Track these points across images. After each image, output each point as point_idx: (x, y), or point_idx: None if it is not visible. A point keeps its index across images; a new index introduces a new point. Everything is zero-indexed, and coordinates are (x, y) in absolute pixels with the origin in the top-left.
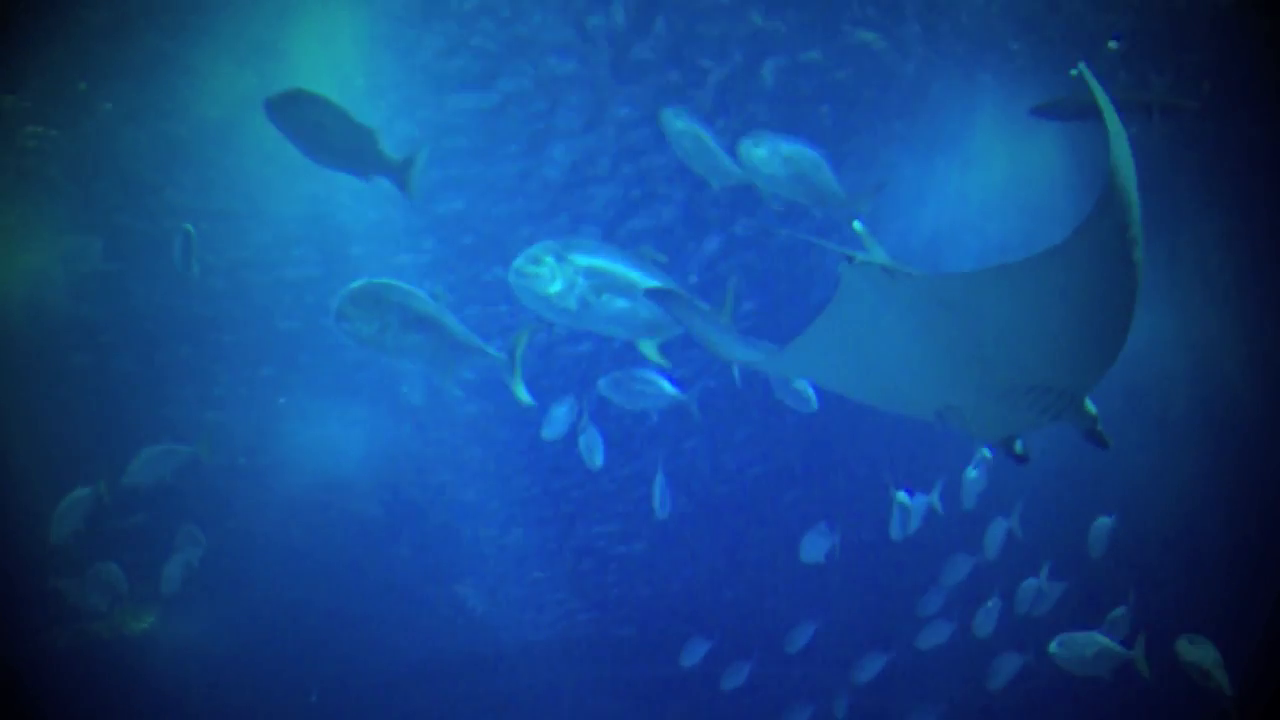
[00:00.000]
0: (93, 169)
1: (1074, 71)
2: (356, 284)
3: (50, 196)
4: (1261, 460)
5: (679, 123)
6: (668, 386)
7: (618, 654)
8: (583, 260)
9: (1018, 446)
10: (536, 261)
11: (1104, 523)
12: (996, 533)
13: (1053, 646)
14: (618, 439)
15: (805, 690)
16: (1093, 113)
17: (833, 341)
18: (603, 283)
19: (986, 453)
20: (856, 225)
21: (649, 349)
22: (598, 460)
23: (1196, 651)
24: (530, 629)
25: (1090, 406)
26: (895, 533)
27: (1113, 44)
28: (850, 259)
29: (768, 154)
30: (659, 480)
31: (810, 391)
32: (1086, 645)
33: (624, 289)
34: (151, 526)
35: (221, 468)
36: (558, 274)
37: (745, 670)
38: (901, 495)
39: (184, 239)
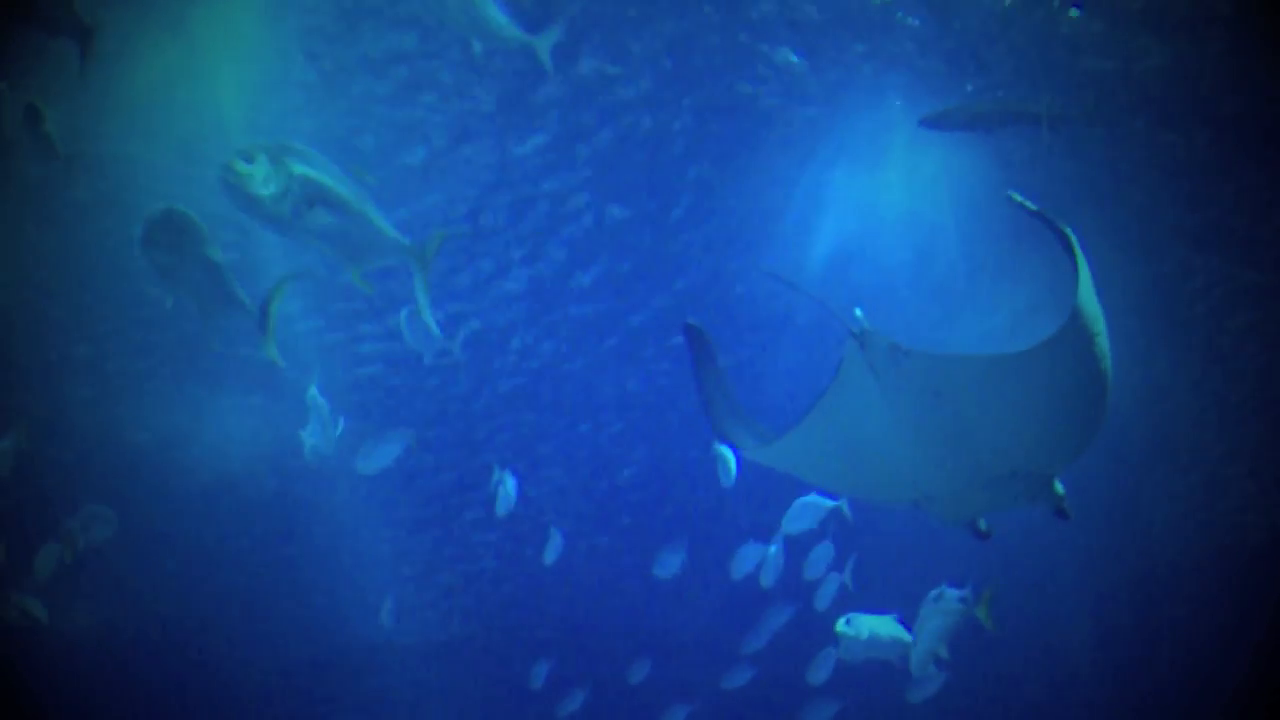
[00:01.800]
0: None
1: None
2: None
3: None
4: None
5: None
6: None
7: (492, 656)
8: (299, 168)
9: (981, 524)
10: (250, 160)
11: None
12: (829, 588)
13: (840, 625)
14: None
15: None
16: (980, 124)
17: (829, 428)
18: (317, 194)
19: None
20: (857, 312)
21: (356, 277)
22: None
23: None
24: (406, 630)
25: (1059, 486)
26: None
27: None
28: (859, 335)
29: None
30: (506, 479)
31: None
32: (878, 628)
33: (338, 205)
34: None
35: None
36: (272, 177)
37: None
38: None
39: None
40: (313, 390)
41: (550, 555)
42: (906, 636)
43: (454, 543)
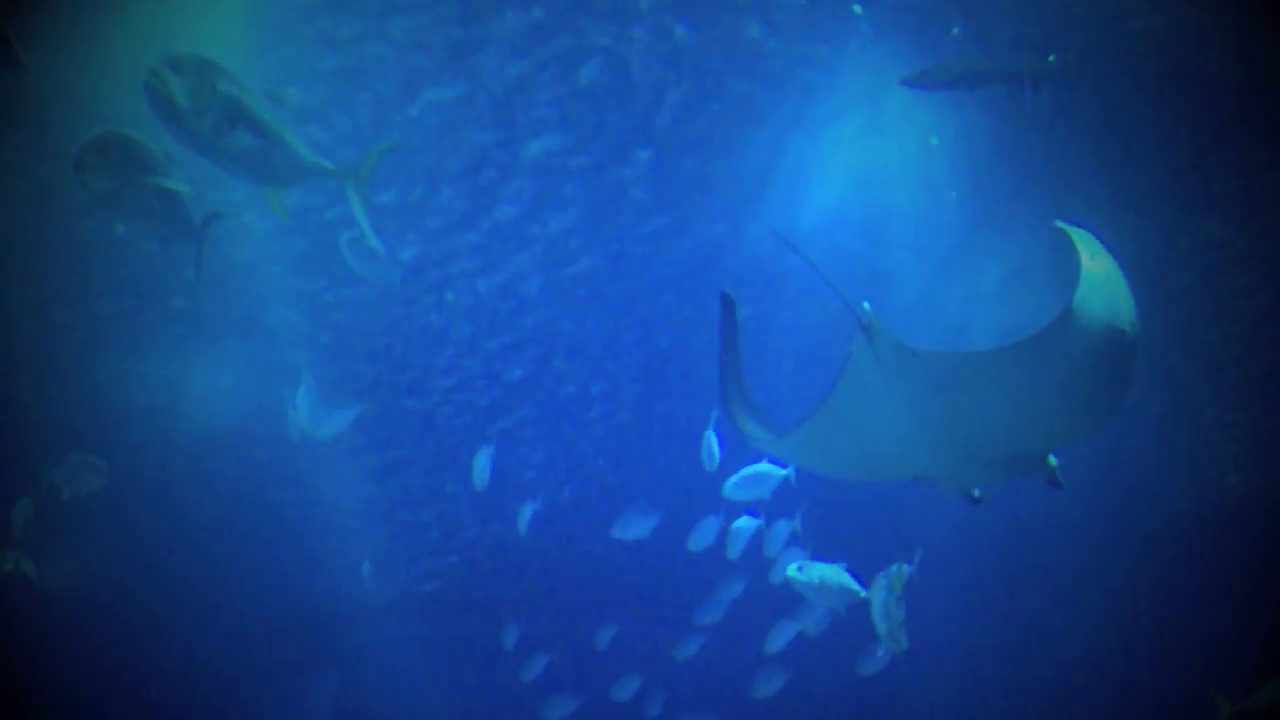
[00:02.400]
0: None
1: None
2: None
3: None
4: None
5: None
6: None
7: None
8: (224, 85)
9: (975, 493)
10: (176, 69)
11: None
12: (780, 531)
13: (791, 570)
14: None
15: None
16: (961, 83)
17: (838, 422)
18: (239, 113)
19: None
20: (865, 305)
21: (274, 200)
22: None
23: None
24: (381, 588)
25: (1052, 458)
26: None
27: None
28: (867, 333)
29: None
30: (483, 452)
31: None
32: (828, 575)
33: (259, 127)
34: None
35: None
36: (196, 91)
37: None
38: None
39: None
40: (302, 387)
41: (522, 526)
42: (855, 586)
43: (429, 502)
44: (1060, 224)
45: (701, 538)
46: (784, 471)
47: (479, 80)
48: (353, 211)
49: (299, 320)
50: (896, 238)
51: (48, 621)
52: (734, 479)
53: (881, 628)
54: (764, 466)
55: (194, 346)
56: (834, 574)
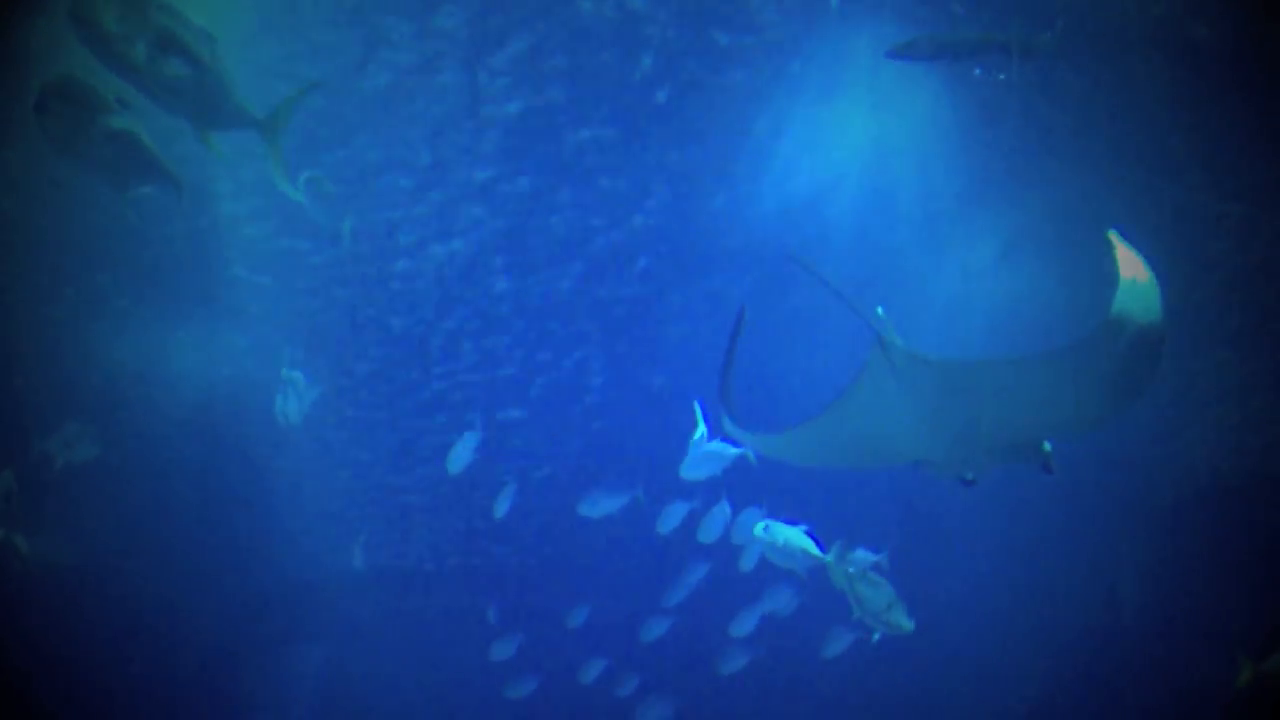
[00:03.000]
0: None
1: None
2: None
3: None
4: None
5: None
6: None
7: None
8: (155, 12)
9: (968, 475)
10: None
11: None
12: (719, 514)
13: (758, 529)
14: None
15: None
16: (946, 54)
17: (843, 423)
18: (172, 42)
19: None
20: (879, 310)
21: (206, 140)
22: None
23: None
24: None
25: (1046, 445)
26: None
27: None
28: (882, 344)
29: None
30: (464, 439)
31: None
32: (791, 537)
33: (193, 58)
34: None
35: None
36: (125, 16)
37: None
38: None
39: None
40: (286, 369)
41: (501, 508)
42: (815, 550)
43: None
44: (1113, 234)
45: (669, 521)
46: (738, 450)
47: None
48: (271, 162)
49: (281, 288)
50: (894, 212)
51: (31, 594)
52: (687, 459)
53: (855, 610)
54: (717, 445)
55: (179, 315)
56: (796, 536)
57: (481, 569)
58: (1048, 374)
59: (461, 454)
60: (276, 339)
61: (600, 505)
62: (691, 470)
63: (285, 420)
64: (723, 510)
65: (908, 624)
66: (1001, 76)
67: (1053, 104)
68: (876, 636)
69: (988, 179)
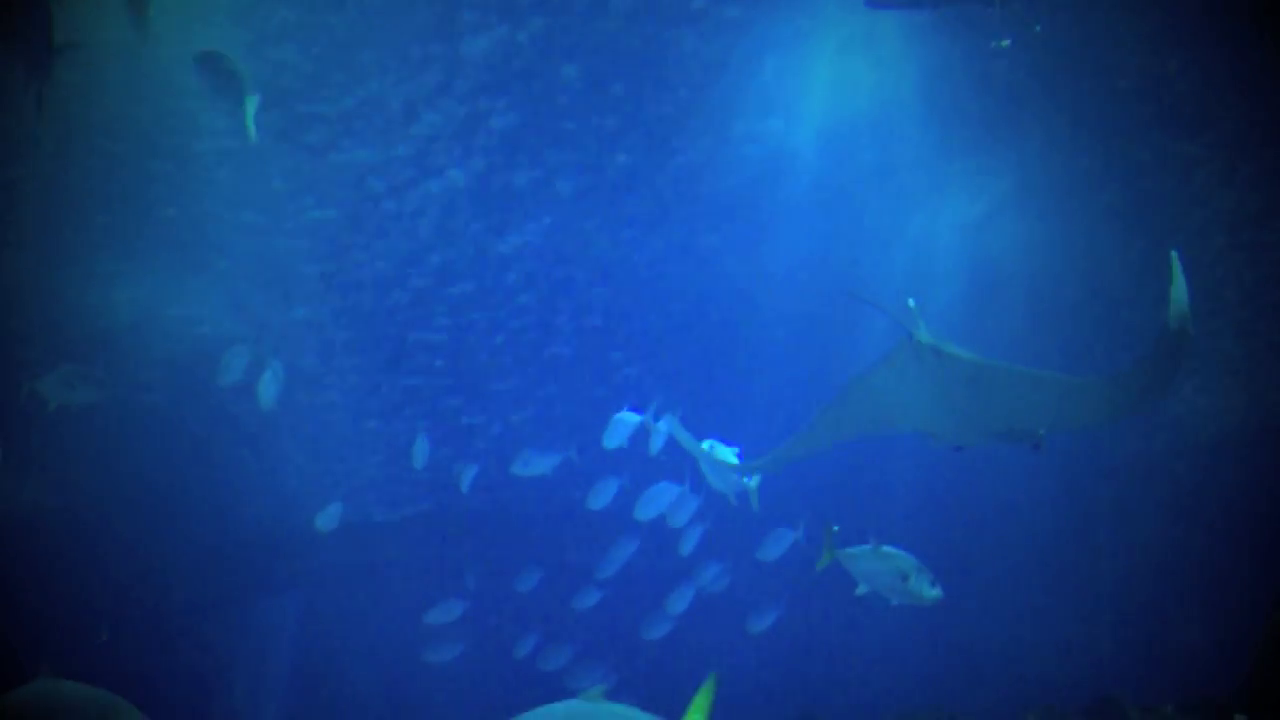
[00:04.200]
0: None
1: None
2: None
3: None
4: None
5: None
6: None
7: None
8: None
9: (961, 445)
10: None
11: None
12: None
13: (705, 445)
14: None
15: None
16: (927, 2)
17: (863, 399)
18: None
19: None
20: (910, 302)
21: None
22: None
23: None
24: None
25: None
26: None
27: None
28: (912, 337)
29: None
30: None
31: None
32: (728, 457)
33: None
34: None
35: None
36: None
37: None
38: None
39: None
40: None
41: (465, 485)
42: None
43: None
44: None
45: (600, 498)
46: (638, 417)
47: None
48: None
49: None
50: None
51: (10, 541)
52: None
53: (861, 585)
54: (625, 414)
55: (165, 264)
56: (731, 456)
57: (452, 521)
58: (1079, 396)
59: (420, 452)
60: (256, 291)
61: (533, 464)
62: (611, 439)
63: (264, 405)
64: (662, 489)
65: (931, 592)
66: (1005, 43)
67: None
68: (895, 602)
69: (984, 131)
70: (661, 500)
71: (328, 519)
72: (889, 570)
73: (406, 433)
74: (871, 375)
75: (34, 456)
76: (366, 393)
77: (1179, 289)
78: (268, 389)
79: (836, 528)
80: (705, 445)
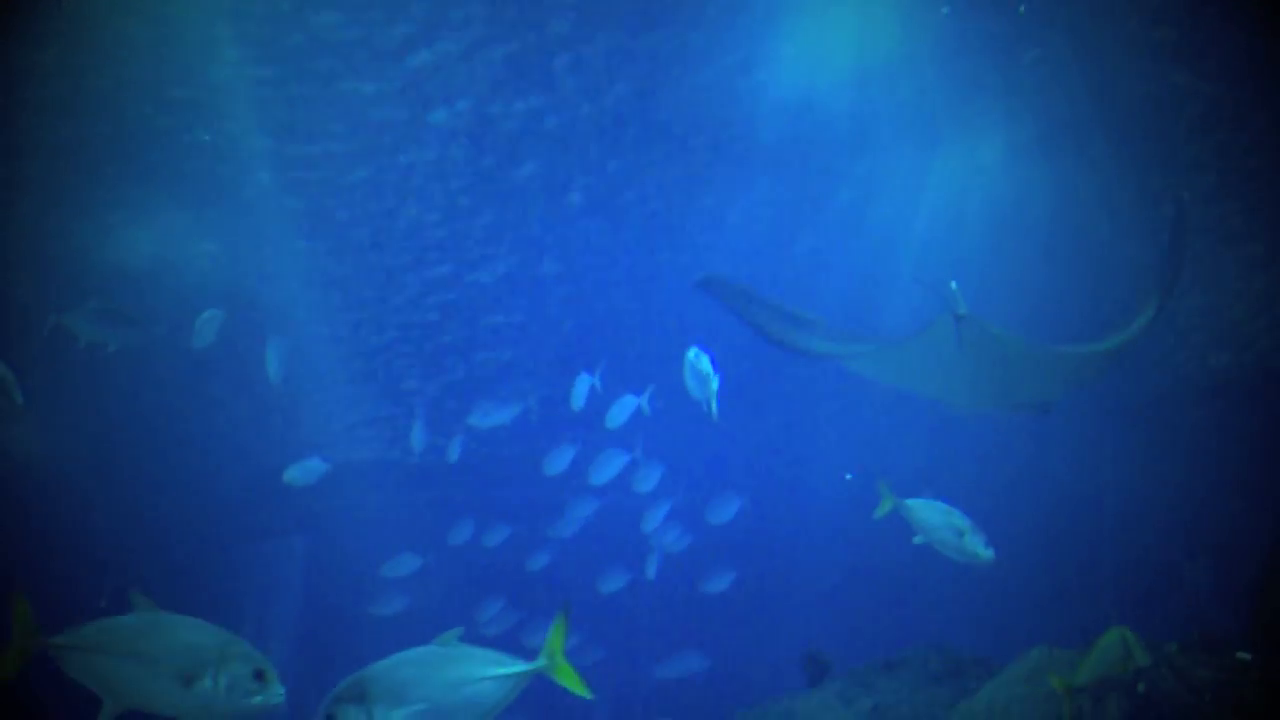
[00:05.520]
0: None
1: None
2: None
3: None
4: None
5: None
6: None
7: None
8: None
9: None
10: None
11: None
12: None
13: (690, 353)
14: None
15: None
16: None
17: (897, 361)
18: None
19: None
20: (953, 285)
21: None
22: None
23: None
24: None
25: None
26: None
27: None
28: (960, 316)
29: None
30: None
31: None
32: (705, 367)
33: None
34: None
35: None
36: None
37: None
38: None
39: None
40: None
41: (453, 454)
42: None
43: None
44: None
45: (556, 463)
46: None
47: None
48: None
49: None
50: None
51: (24, 484)
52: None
53: (918, 535)
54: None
55: (173, 207)
56: (709, 366)
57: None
58: (1100, 361)
59: (419, 436)
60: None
61: (491, 415)
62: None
63: (273, 380)
64: (614, 455)
65: (985, 553)
66: (1021, 9)
67: None
68: (951, 557)
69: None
70: (614, 465)
71: (304, 473)
72: (946, 525)
73: (401, 369)
74: (905, 346)
75: (47, 398)
76: (359, 331)
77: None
78: (274, 362)
79: (850, 475)
80: (691, 354)
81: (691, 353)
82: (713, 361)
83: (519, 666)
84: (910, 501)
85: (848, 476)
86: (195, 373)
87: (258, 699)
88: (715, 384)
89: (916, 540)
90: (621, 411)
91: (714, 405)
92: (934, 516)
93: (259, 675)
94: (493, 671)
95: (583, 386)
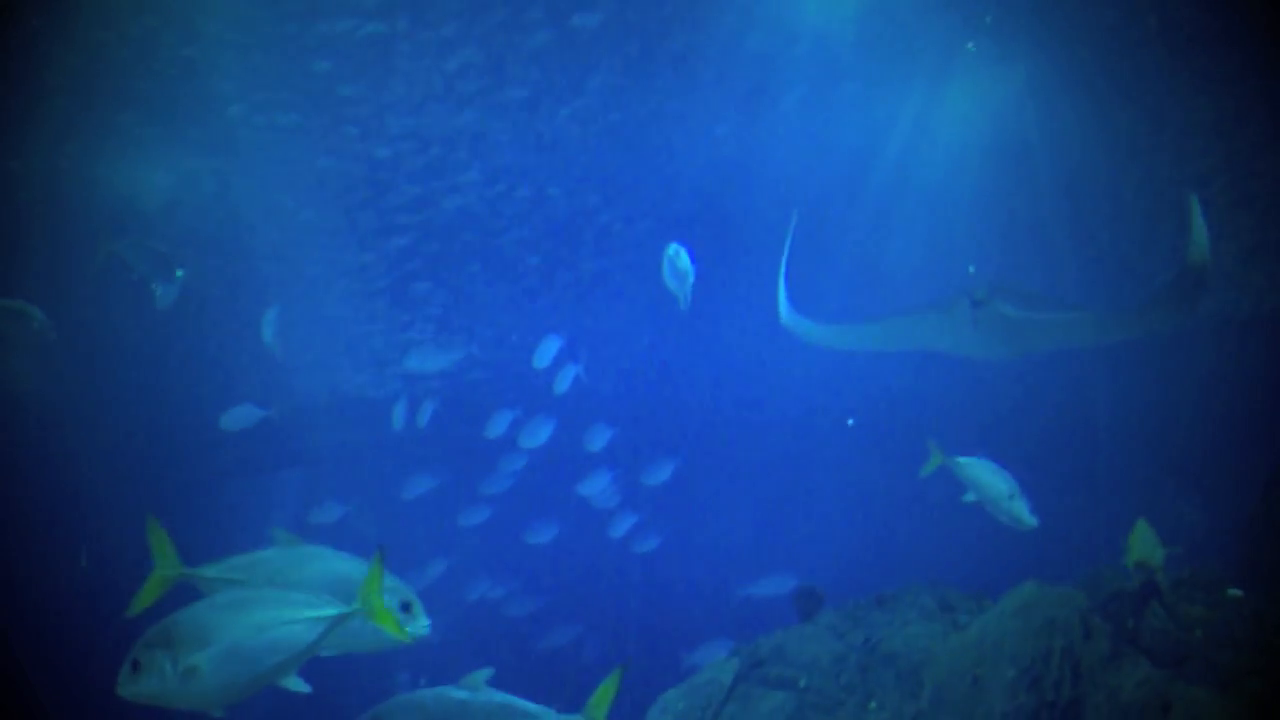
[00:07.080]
0: None
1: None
2: None
3: None
4: None
5: None
6: None
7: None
8: None
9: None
10: None
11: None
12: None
13: (670, 249)
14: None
15: None
16: None
17: (909, 329)
18: None
19: None
20: (971, 269)
21: None
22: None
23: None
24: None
25: None
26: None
27: None
28: (976, 301)
29: None
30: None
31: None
32: (684, 264)
33: None
34: None
35: None
36: None
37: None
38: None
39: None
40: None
41: (424, 419)
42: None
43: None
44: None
45: (496, 426)
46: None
47: None
48: None
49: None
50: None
51: (23, 413)
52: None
53: (971, 493)
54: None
55: (172, 139)
56: (683, 258)
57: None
58: (1112, 326)
59: (400, 413)
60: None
61: (429, 360)
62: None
63: (268, 343)
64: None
65: (1029, 519)
66: None
67: None
68: (997, 518)
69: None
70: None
71: (238, 418)
72: (995, 484)
73: (397, 305)
74: (918, 317)
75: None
76: (354, 264)
77: (1198, 230)
78: (270, 328)
79: (851, 421)
80: (670, 249)
81: (671, 249)
82: (691, 257)
83: (332, 610)
84: (962, 459)
85: (850, 422)
86: (194, 311)
87: (405, 630)
88: (691, 279)
89: (967, 498)
90: (563, 381)
91: (688, 298)
92: (986, 475)
93: (405, 607)
94: (304, 614)
95: (550, 346)
